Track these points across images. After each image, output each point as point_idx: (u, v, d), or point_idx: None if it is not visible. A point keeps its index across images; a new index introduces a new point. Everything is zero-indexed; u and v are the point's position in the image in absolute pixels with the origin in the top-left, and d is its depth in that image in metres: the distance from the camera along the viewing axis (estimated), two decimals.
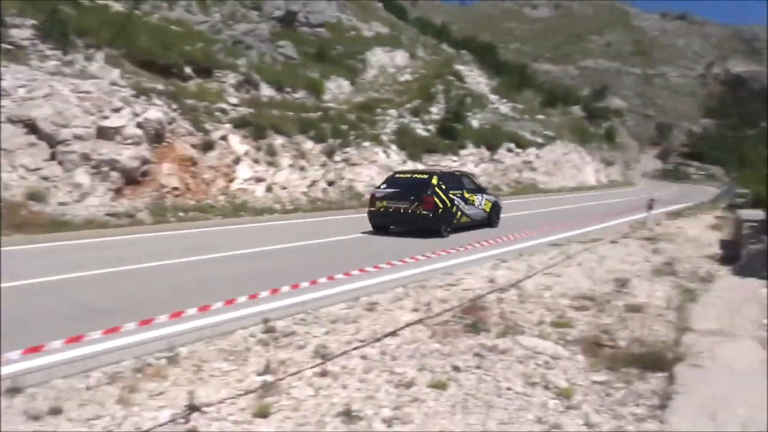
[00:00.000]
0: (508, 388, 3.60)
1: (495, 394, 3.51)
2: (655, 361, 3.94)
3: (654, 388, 3.62)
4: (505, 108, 37.90)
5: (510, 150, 31.69)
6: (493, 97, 38.00)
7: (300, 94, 21.93)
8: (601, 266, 7.79)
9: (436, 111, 28.54)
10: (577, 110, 63.06)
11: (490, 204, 12.12)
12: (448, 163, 25.38)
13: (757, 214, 9.95)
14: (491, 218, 12.08)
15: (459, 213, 10.84)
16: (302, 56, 25.69)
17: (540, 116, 44.36)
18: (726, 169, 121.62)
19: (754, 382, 3.58)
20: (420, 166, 21.72)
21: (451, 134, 26.78)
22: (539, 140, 36.84)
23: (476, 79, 39.16)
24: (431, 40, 48.53)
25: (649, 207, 13.59)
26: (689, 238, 11.06)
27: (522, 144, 33.29)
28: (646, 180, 67.15)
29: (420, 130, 25.89)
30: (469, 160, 27.19)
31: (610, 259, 8.35)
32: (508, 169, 31.07)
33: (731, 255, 9.03)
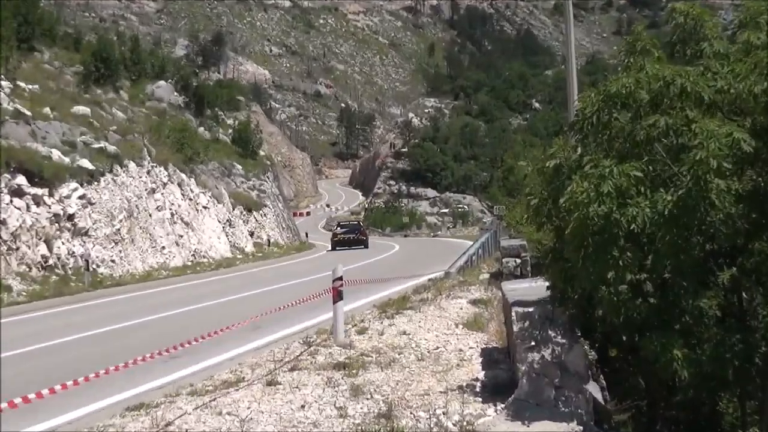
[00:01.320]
0: None
1: None
2: None
3: None
4: None
5: (18, 191, 31.60)
6: None
7: None
8: None
9: None
10: (165, 90, 67.24)
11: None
12: None
13: (534, 289, 12.01)
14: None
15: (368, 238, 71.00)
16: None
17: (82, 108, 45.62)
18: (482, 197, 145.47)
19: None
20: None
21: None
22: (86, 164, 37.75)
23: None
24: None
25: (338, 295, 15.07)
26: (424, 352, 12.70)
27: (46, 175, 33.55)
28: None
29: None
30: None
31: (266, 423, 9.08)
32: (20, 239, 30.85)
33: (501, 378, 10.69)
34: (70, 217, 34.54)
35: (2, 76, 40.39)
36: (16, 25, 49.48)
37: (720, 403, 10.98)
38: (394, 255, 51.18)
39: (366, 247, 58.44)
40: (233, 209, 59.11)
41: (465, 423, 8.82)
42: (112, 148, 41.98)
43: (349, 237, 59.60)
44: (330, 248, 61.31)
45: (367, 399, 9.89)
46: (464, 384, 10.50)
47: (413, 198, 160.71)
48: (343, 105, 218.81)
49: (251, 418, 9.29)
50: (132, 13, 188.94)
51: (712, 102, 9.79)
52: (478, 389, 10.22)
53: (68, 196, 34.78)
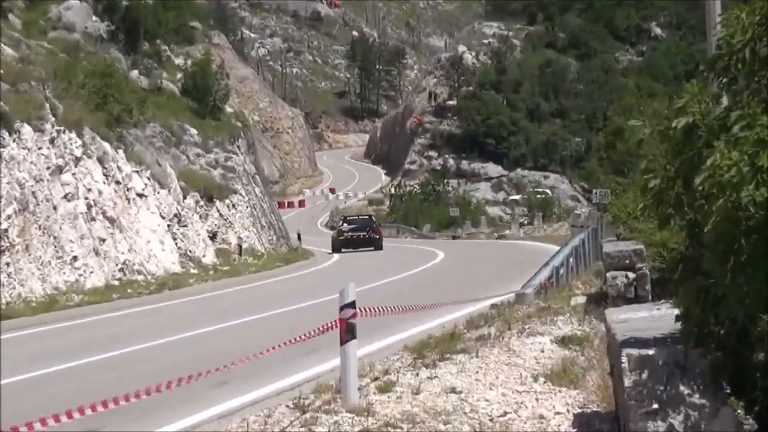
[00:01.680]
0: None
1: None
2: None
3: None
4: None
5: None
6: None
7: None
8: None
9: None
10: (78, 14, 67.76)
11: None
12: None
13: (657, 320, 12.01)
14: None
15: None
16: None
17: None
18: (575, 176, 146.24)
19: None
20: None
21: None
22: None
23: None
24: None
25: (348, 331, 15.14)
26: (485, 421, 12.71)
27: None
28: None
29: None
30: None
31: None
32: None
33: None
34: None
35: None
36: None
37: None
38: (436, 267, 51.65)
39: (378, 248, 75.40)
40: (184, 198, 59.15)
41: None
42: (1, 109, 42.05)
43: (358, 235, 77.20)
44: (331, 250, 75.79)
45: None
46: None
47: (466, 178, 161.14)
48: (355, 34, 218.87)
49: None
50: None
51: None
52: None
53: None
